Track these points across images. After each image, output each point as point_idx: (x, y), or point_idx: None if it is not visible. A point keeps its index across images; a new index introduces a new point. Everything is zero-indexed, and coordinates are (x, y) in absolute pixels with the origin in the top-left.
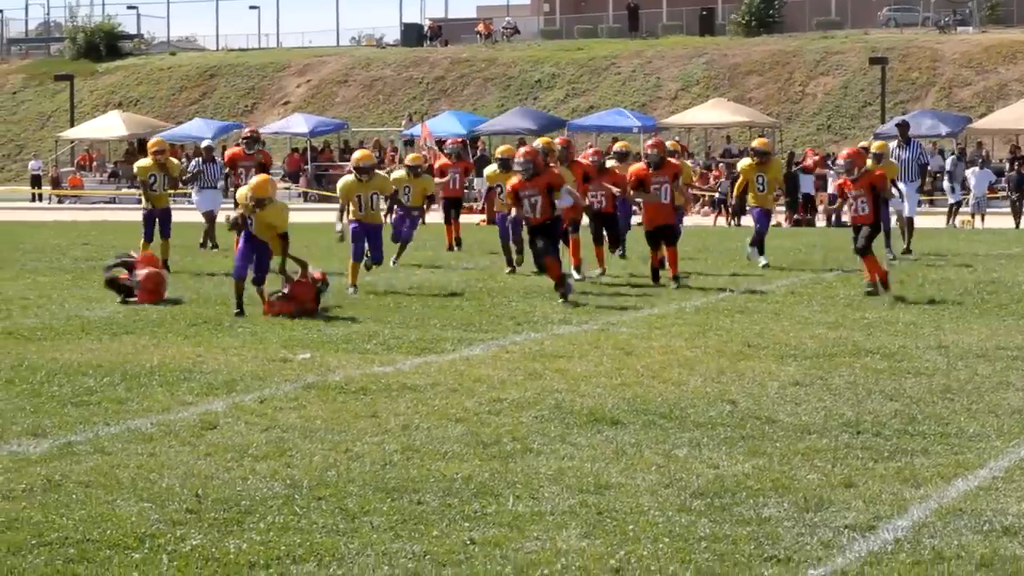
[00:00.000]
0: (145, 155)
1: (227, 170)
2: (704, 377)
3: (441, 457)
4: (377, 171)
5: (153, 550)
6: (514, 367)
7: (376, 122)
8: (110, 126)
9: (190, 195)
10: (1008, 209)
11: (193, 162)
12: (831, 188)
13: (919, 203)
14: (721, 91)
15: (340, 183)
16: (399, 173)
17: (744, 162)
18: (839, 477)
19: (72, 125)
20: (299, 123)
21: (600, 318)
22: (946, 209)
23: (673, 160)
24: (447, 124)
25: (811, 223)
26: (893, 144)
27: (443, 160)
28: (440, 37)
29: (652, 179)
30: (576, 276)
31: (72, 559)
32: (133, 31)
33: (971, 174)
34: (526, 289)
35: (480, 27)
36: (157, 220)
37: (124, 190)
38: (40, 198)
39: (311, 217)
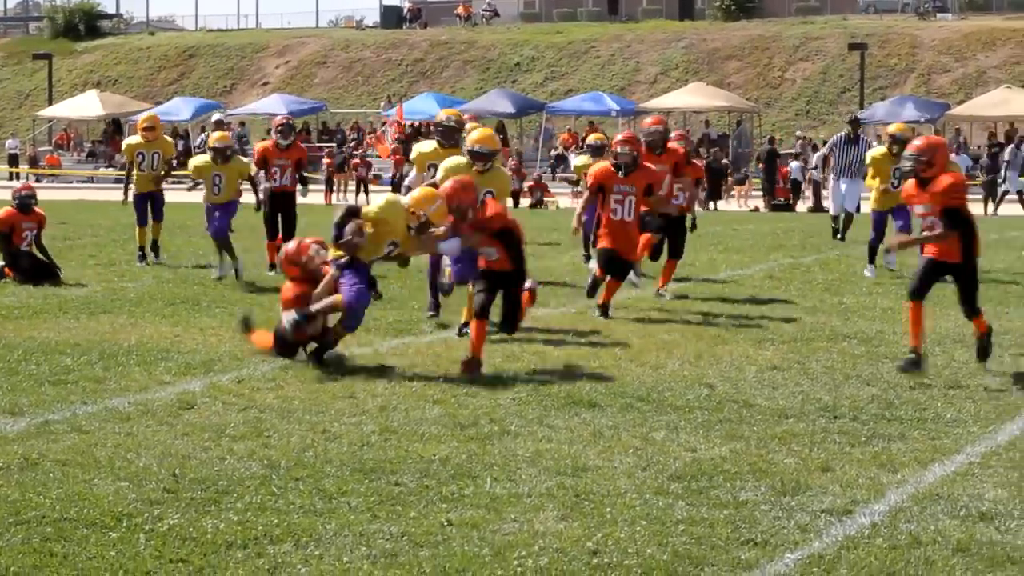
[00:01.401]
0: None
1: (258, 171)
2: (682, 361)
3: (419, 438)
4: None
5: (130, 529)
6: (492, 349)
7: (355, 104)
8: (88, 105)
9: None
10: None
11: (201, 137)
12: (813, 172)
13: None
14: (700, 75)
15: (448, 163)
16: (203, 159)
17: (877, 151)
18: (816, 461)
19: (50, 104)
20: (277, 104)
21: (578, 301)
22: (998, 196)
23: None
24: (425, 106)
25: (790, 207)
26: (842, 136)
27: None
28: (419, 19)
29: (613, 187)
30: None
31: (49, 538)
32: (112, 11)
33: None
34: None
35: (460, 9)
36: (149, 202)
37: (102, 170)
38: (17, 177)
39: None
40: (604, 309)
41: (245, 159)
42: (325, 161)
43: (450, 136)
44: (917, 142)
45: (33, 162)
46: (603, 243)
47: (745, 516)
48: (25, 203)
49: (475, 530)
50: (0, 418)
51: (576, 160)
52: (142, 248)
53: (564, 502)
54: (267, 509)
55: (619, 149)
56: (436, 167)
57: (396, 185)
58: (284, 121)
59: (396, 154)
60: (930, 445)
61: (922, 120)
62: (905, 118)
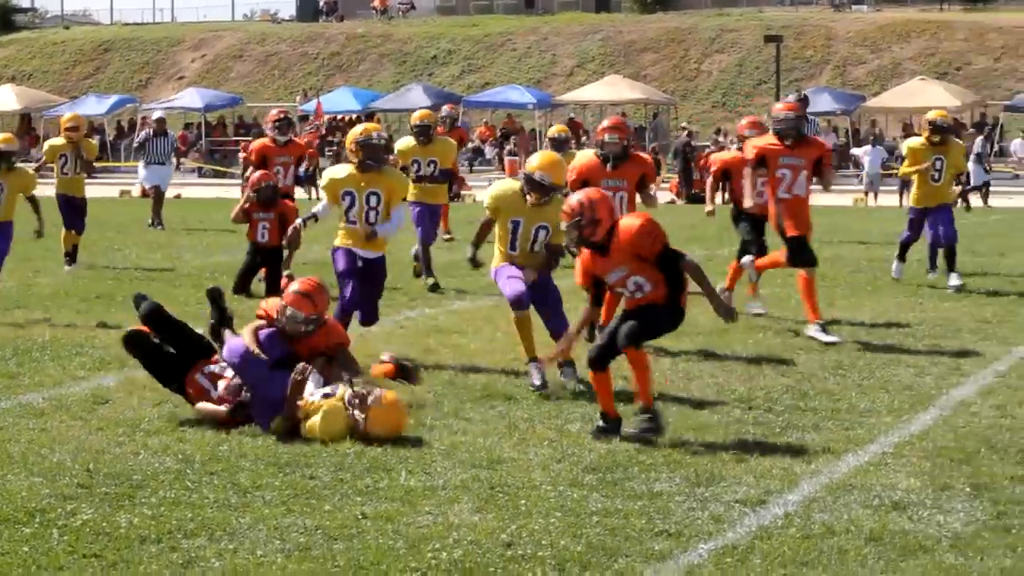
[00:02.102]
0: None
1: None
2: None
3: None
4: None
5: (43, 525)
6: (408, 343)
7: (271, 97)
8: (3, 100)
9: (133, 169)
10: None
11: (142, 134)
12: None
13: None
14: (616, 68)
15: (498, 191)
16: None
17: (914, 142)
18: (730, 452)
19: None
20: (193, 98)
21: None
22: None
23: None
24: (342, 100)
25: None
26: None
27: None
28: (336, 12)
29: (601, 182)
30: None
31: None
32: (27, 4)
33: (864, 152)
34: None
35: (376, 2)
36: (71, 207)
37: (18, 165)
38: None
39: (206, 192)
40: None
41: (31, 170)
42: (242, 155)
43: (375, 155)
44: (572, 202)
45: None
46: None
47: (659, 507)
48: None
49: (389, 523)
50: None
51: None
52: (68, 254)
53: (479, 494)
54: (181, 503)
55: (606, 137)
56: (352, 195)
57: (311, 178)
58: (281, 115)
59: (310, 147)
60: (844, 435)
61: (838, 112)
62: (821, 109)
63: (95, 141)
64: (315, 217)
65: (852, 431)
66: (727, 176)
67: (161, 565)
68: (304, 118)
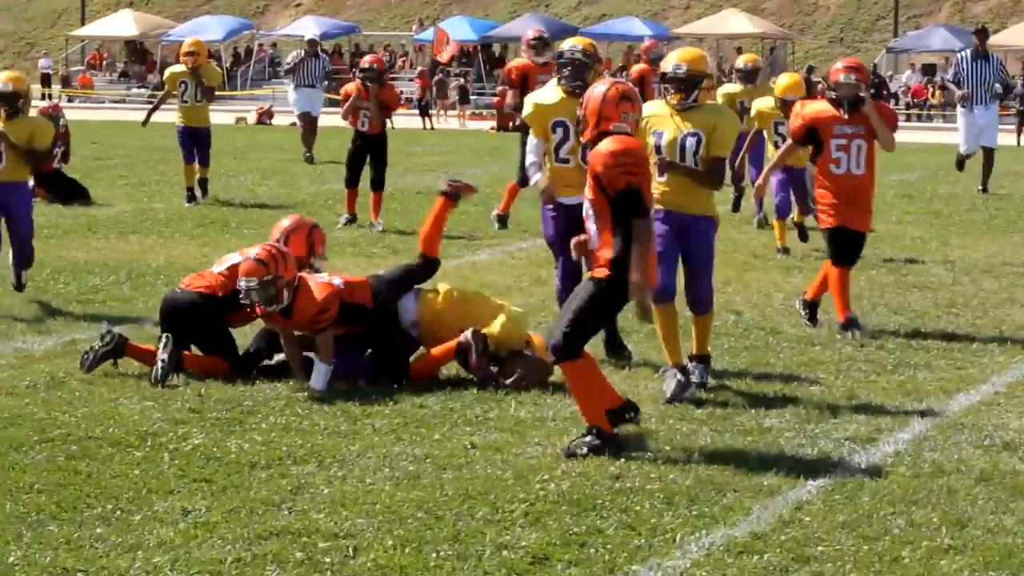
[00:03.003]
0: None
1: (503, 87)
2: None
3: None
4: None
5: (154, 448)
6: (520, 273)
7: (387, 26)
8: (121, 25)
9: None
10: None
11: (292, 54)
12: None
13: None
14: (734, 1)
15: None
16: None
17: None
18: (841, 389)
19: (83, 24)
20: (309, 26)
21: None
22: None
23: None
24: (458, 28)
25: None
26: (967, 54)
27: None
28: None
29: (834, 129)
30: None
31: (74, 455)
32: None
33: None
34: (533, 198)
35: None
36: (194, 138)
37: (134, 90)
38: (50, 97)
39: (322, 121)
40: (811, 308)
41: (49, 122)
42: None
43: (575, 74)
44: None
45: (65, 82)
46: (828, 218)
47: (769, 443)
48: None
49: (498, 453)
50: (28, 337)
51: (722, 88)
52: (190, 189)
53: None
54: (292, 430)
55: (842, 78)
56: (566, 125)
57: (424, 109)
58: (538, 34)
59: (422, 78)
60: (956, 374)
61: (956, 49)
62: (936, 48)
63: (217, 67)
64: (531, 181)
65: (964, 370)
66: None
67: (270, 491)
68: (420, 48)
